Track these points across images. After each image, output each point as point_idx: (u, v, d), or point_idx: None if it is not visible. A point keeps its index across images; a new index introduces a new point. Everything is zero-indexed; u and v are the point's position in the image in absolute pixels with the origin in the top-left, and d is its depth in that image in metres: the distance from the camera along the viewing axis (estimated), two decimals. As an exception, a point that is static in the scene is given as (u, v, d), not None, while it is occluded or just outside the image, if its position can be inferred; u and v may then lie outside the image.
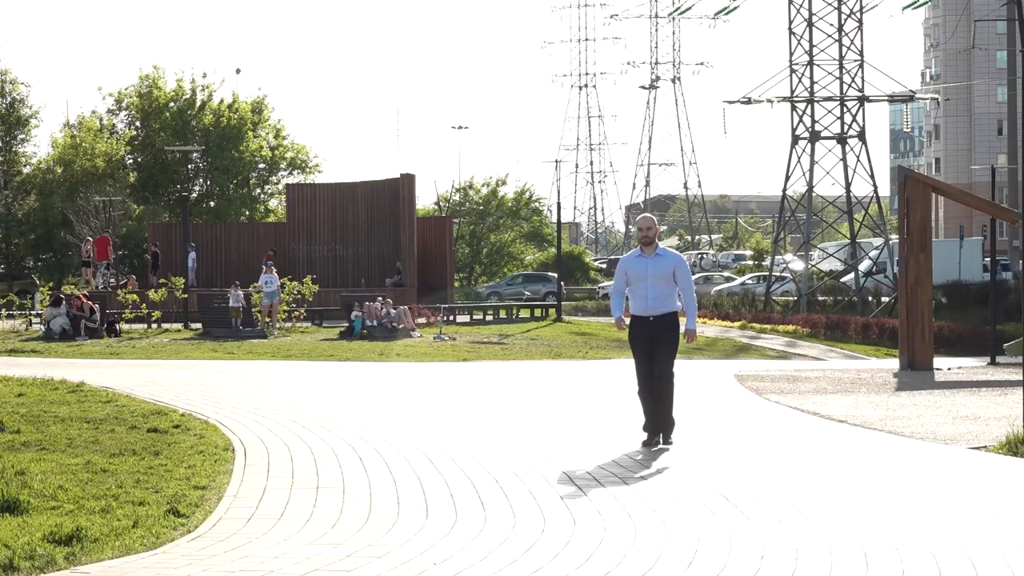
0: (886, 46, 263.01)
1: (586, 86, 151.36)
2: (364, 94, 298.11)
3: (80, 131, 65.00)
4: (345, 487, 10.04)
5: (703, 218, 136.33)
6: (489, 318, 45.93)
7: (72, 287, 42.12)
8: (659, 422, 12.46)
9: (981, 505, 9.56)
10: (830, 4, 57.29)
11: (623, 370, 24.52)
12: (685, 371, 24.83)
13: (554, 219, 70.53)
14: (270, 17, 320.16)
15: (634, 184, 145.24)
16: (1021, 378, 17.15)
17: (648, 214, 13.22)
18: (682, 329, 12.60)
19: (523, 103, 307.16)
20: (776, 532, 8.38)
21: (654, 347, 12.43)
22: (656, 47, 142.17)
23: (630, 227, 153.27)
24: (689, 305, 12.64)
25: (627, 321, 12.72)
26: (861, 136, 57.10)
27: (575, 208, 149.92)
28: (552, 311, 48.58)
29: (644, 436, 12.52)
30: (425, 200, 79.93)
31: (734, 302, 54.16)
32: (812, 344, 41.26)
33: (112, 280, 46.89)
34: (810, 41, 57.15)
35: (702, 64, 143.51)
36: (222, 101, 68.61)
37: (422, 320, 40.09)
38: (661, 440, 12.46)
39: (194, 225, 50.76)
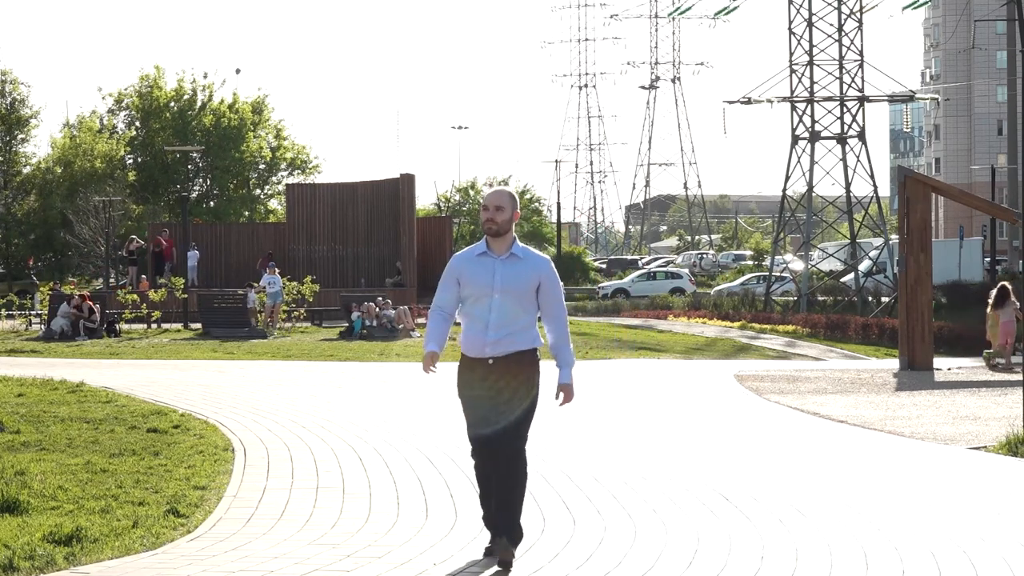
0: (886, 46, 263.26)
1: (586, 86, 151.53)
2: (364, 94, 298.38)
3: (80, 131, 64.97)
4: (345, 487, 10.03)
5: (703, 218, 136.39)
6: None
7: (70, 286, 42.14)
8: (498, 517, 7.56)
9: (981, 505, 9.56)
10: (830, 4, 57.23)
11: (623, 370, 24.51)
12: (685, 371, 24.86)
13: (554, 219, 70.63)
14: (270, 17, 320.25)
15: (634, 184, 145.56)
16: (1021, 378, 17.15)
17: (501, 188, 7.84)
18: (553, 383, 7.71)
19: (523, 103, 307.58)
20: (776, 532, 8.38)
21: (497, 407, 7.49)
22: (656, 47, 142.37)
23: (629, 227, 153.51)
24: (561, 344, 7.65)
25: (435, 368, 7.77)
26: (861, 136, 57.04)
27: (575, 208, 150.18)
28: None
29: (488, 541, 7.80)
30: (425, 200, 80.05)
31: (734, 302, 54.08)
32: (812, 344, 41.20)
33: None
34: (810, 41, 57.08)
35: (702, 64, 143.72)
36: (222, 101, 68.64)
37: (422, 320, 40.09)
38: (500, 546, 7.51)
39: (194, 225, 50.74)
